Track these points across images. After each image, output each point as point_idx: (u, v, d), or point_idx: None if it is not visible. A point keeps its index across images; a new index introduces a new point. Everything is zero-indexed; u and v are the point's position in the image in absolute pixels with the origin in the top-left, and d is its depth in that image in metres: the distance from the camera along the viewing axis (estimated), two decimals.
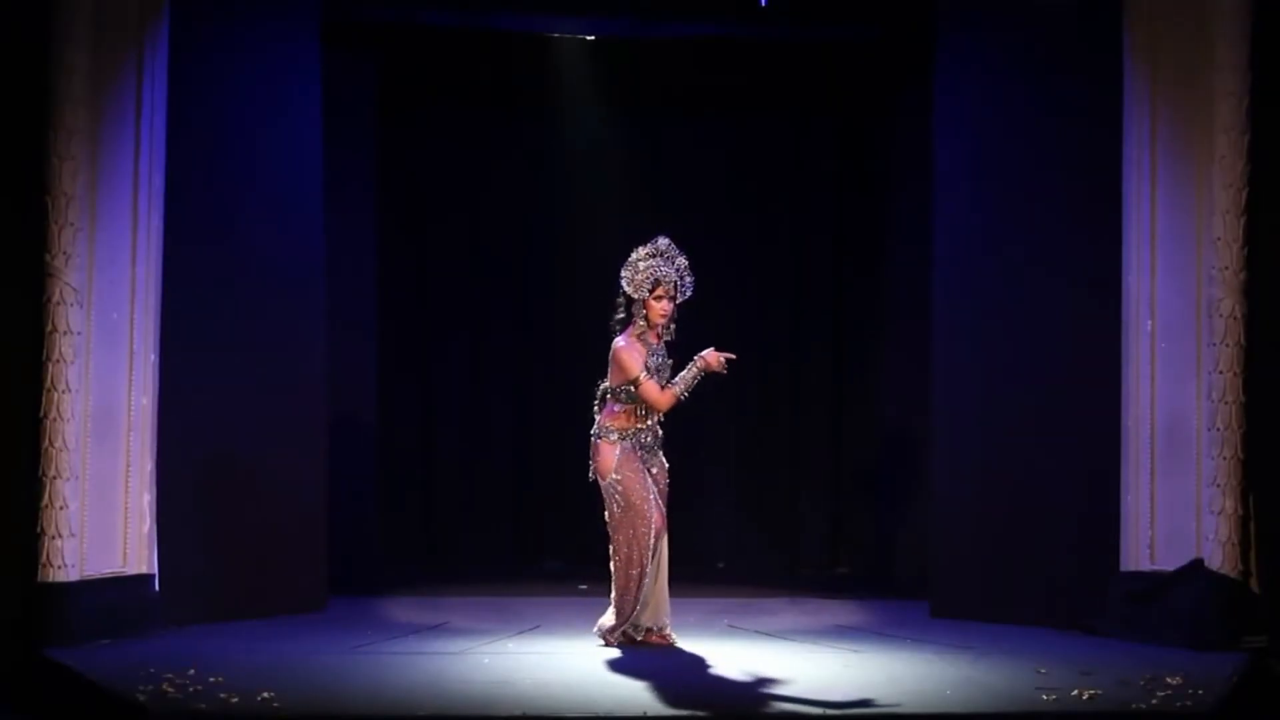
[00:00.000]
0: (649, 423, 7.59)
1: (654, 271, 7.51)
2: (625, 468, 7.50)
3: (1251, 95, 7.61)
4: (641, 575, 7.47)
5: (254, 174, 8.52)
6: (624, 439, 7.53)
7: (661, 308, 7.52)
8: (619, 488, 7.51)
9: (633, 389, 7.50)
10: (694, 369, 7.52)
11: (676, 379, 7.53)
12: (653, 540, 7.48)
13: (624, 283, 7.57)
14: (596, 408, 7.67)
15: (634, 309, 7.58)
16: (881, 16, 9.53)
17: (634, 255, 7.58)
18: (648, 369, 7.51)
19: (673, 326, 7.61)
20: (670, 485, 7.68)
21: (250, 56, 8.47)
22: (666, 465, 7.68)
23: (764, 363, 11.05)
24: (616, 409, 7.58)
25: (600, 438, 7.57)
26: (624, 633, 7.55)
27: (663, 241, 7.61)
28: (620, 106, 10.75)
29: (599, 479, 7.58)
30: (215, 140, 8.31)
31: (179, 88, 7.94)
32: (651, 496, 7.50)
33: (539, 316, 11.01)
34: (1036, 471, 8.43)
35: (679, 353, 7.68)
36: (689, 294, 7.62)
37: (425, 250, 10.88)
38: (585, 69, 10.21)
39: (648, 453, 7.58)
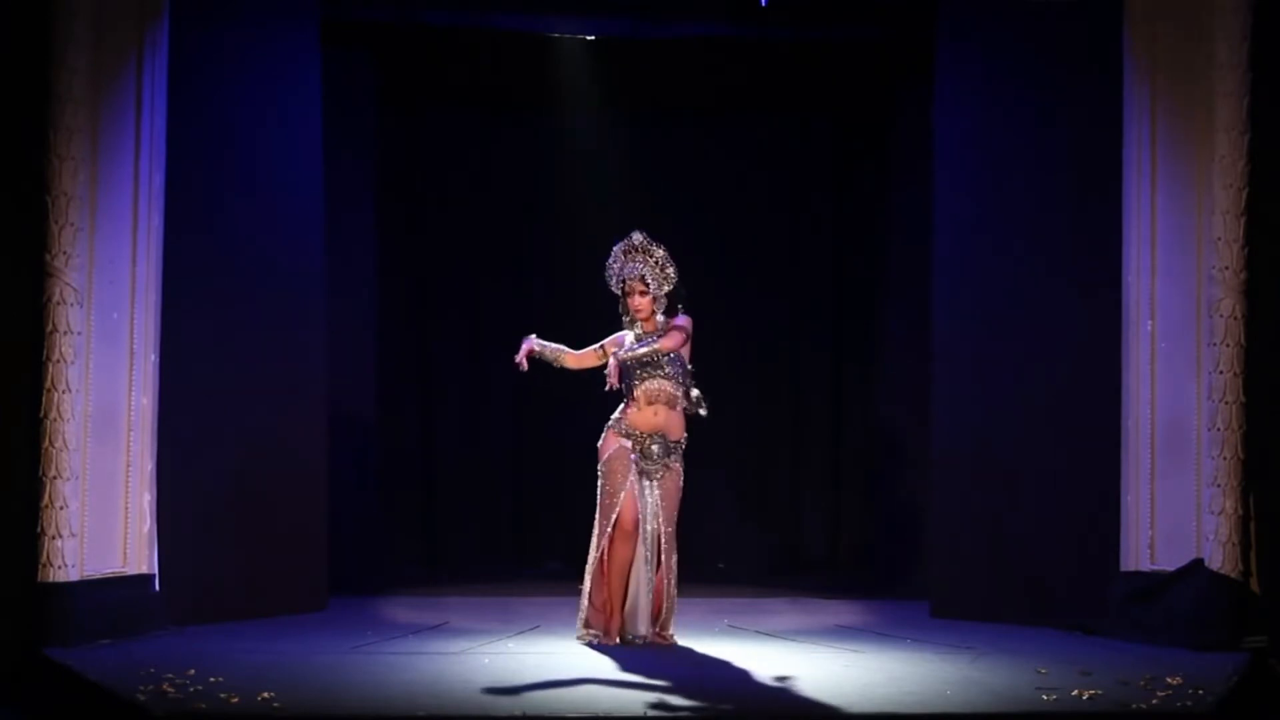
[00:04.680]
0: (657, 420, 7.54)
1: (617, 270, 7.61)
2: (612, 463, 7.56)
3: (1251, 95, 7.61)
4: (591, 561, 7.54)
5: (254, 173, 8.53)
6: (623, 435, 7.55)
7: (633, 303, 7.59)
8: (600, 479, 7.59)
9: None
10: (649, 347, 7.51)
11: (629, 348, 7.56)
12: (606, 533, 7.50)
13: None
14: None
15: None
16: (881, 16, 9.53)
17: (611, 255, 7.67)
18: (610, 349, 7.55)
19: (661, 317, 7.59)
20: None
21: (250, 56, 8.48)
22: (680, 472, 7.61)
23: (764, 362, 11.06)
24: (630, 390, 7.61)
25: (610, 425, 7.64)
26: (621, 638, 7.54)
27: (636, 237, 7.65)
28: (620, 106, 10.75)
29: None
30: (215, 139, 8.31)
31: (179, 87, 7.94)
32: (622, 496, 7.48)
33: (539, 316, 10.95)
34: (1036, 471, 8.44)
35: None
36: (674, 283, 7.60)
37: (425, 249, 10.88)
38: (585, 69, 10.21)
39: (650, 460, 7.54)
